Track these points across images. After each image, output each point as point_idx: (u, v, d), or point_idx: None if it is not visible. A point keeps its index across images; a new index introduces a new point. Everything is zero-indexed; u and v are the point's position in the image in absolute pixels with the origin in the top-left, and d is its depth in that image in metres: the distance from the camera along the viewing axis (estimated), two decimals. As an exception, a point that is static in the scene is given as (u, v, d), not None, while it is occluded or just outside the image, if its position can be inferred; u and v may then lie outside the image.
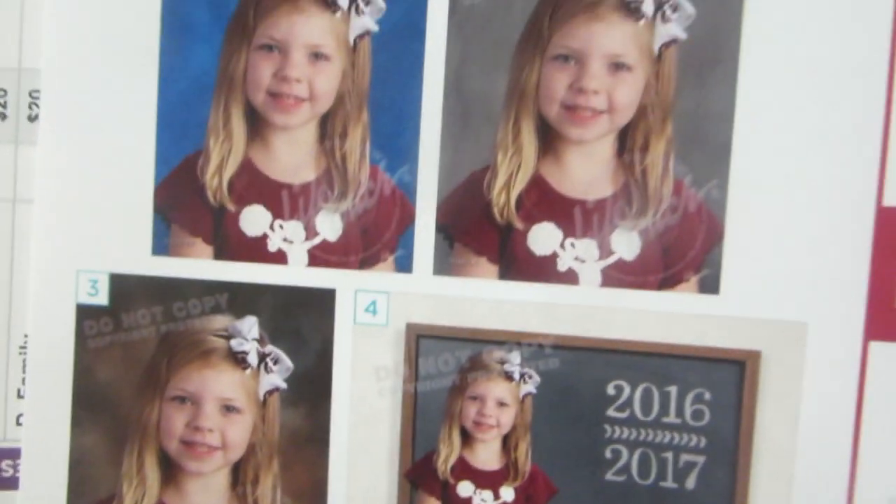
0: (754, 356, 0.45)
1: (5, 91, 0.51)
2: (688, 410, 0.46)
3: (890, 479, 0.44)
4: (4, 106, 0.51)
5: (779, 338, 0.45)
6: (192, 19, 0.50)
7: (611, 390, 0.47)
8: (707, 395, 0.46)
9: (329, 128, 0.49)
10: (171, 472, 0.52)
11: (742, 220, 0.45)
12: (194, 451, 0.51)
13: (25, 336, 0.52)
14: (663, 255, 0.46)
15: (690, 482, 0.46)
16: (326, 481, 0.50)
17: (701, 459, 0.46)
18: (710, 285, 0.46)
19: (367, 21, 0.48)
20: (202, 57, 0.50)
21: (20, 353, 0.52)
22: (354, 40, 0.48)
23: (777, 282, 0.45)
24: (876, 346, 0.44)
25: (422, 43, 0.48)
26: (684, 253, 0.46)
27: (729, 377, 0.45)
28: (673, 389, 0.46)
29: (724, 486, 0.46)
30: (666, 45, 0.46)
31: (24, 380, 0.52)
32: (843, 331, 0.44)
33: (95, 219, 0.51)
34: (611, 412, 0.47)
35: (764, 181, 0.45)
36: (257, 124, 0.50)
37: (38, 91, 0.51)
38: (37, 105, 0.51)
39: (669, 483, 0.46)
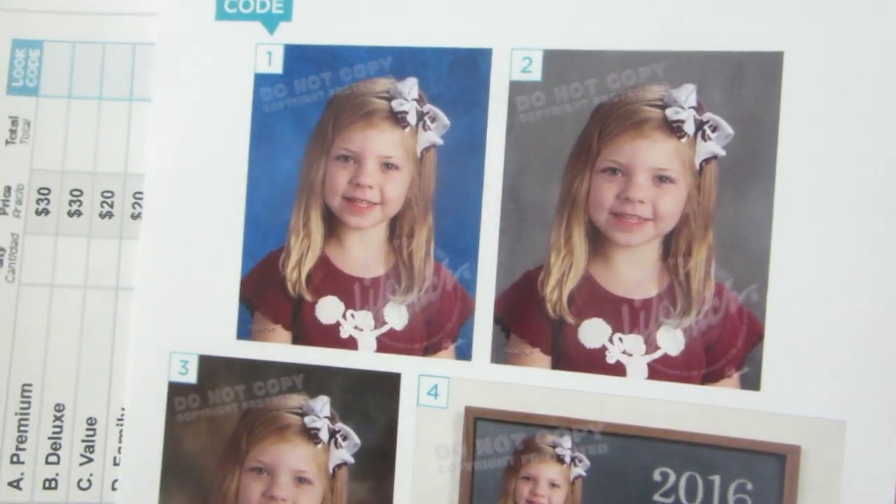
0: (795, 450, 0.37)
1: (112, 192, 0.45)
2: (731, 499, 0.38)
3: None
4: (112, 206, 0.45)
5: (818, 434, 0.37)
6: (277, 133, 0.44)
7: (657, 476, 0.39)
8: (749, 486, 0.38)
9: (398, 229, 0.43)
10: (247, 536, 0.44)
11: (781, 321, 0.38)
12: (269, 518, 0.43)
13: (122, 410, 0.45)
14: (706, 351, 0.39)
15: (734, 568, 0.38)
16: (389, 551, 0.42)
17: (744, 546, 0.38)
18: (751, 382, 0.38)
19: (433, 136, 0.42)
20: (286, 166, 0.44)
21: (117, 425, 0.45)
22: (421, 152, 0.42)
23: (816, 381, 0.37)
24: (914, 445, 0.36)
25: (482, 155, 0.41)
26: (726, 351, 0.38)
27: (771, 469, 0.37)
28: (716, 479, 0.38)
29: (764, 570, 0.37)
30: (706, 161, 0.39)
31: (119, 449, 0.45)
32: (881, 430, 0.37)
33: (187, 306, 0.45)
34: (657, 497, 0.39)
35: (801, 285, 0.38)
36: (333, 225, 0.43)
37: (141, 193, 0.45)
38: (140, 205, 0.45)
39: (714, 568, 0.38)
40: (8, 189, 0.45)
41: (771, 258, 0.38)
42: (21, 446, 0.45)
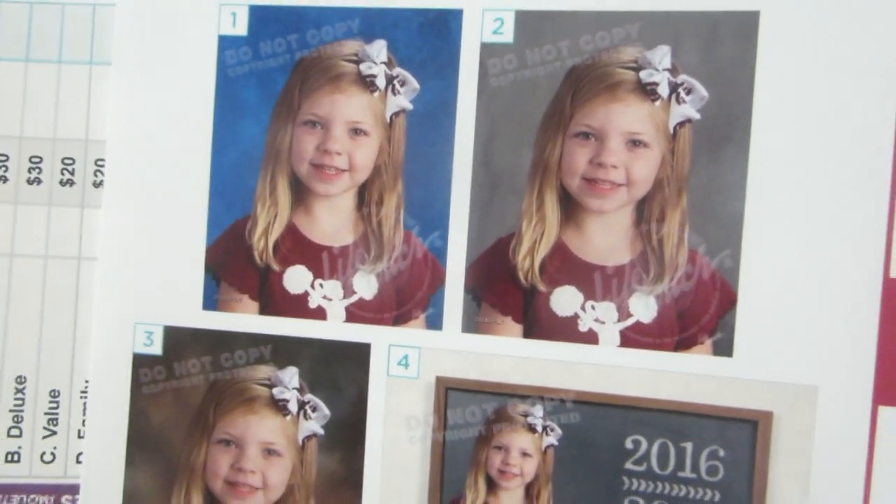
0: (767, 416, 0.36)
1: (73, 160, 0.43)
2: (703, 466, 0.37)
3: (896, 535, 0.35)
4: (72, 173, 0.43)
5: (790, 400, 0.36)
6: (242, 98, 0.42)
7: (629, 444, 0.38)
8: (721, 452, 0.37)
9: (367, 196, 0.41)
10: (216, 509, 0.43)
11: (754, 287, 0.37)
12: (237, 491, 0.42)
13: (86, 382, 0.44)
14: (679, 318, 0.38)
15: (705, 535, 0.37)
16: (360, 522, 0.41)
17: (715, 513, 0.37)
18: (723, 348, 0.37)
19: (402, 100, 0.40)
20: (251, 131, 0.42)
21: (81, 398, 0.44)
22: (391, 117, 0.41)
23: (788, 347, 0.37)
24: (885, 411, 0.35)
25: (452, 120, 0.40)
26: (699, 317, 0.37)
27: (743, 436, 0.37)
28: (689, 445, 0.37)
29: (735, 537, 0.37)
30: (681, 124, 0.38)
31: (84, 422, 0.44)
32: (853, 395, 0.36)
33: (152, 276, 0.43)
34: (629, 465, 0.38)
35: (775, 251, 0.37)
36: (301, 192, 0.42)
37: (102, 160, 0.44)
38: (101, 172, 0.43)
39: (685, 535, 0.37)
40: (-36, 156, 0.43)
41: (745, 223, 0.37)
42: (-18, 420, 0.43)
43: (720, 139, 0.37)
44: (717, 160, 0.37)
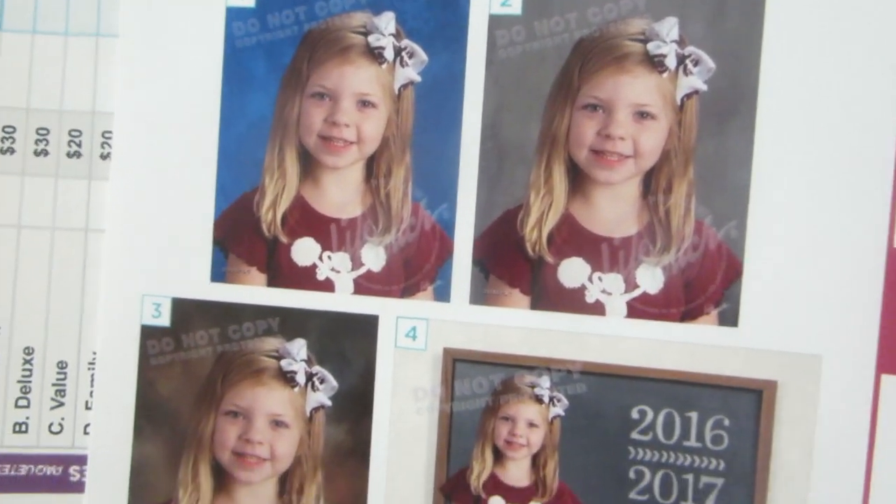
0: (771, 385, 0.37)
1: (80, 131, 0.43)
2: (708, 435, 0.37)
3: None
4: (80, 145, 0.43)
5: (794, 369, 0.36)
6: (250, 70, 0.42)
7: (635, 414, 0.38)
8: (726, 422, 0.37)
9: (375, 168, 0.41)
10: (223, 480, 0.43)
11: (759, 258, 0.37)
12: (245, 462, 0.42)
13: (94, 353, 0.44)
14: (685, 289, 0.38)
15: (710, 503, 0.37)
16: (366, 493, 0.42)
17: (720, 482, 0.37)
18: (729, 318, 0.37)
19: (410, 72, 0.40)
20: (259, 103, 0.42)
21: (89, 369, 0.44)
22: (399, 89, 0.41)
23: (793, 316, 0.37)
24: (888, 379, 0.35)
25: (461, 92, 0.40)
26: (705, 288, 0.38)
27: (747, 405, 0.37)
28: (694, 415, 0.38)
29: (738, 505, 0.37)
30: (688, 96, 0.38)
31: (91, 393, 0.44)
32: (856, 364, 0.36)
33: (160, 248, 0.43)
34: (635, 435, 0.38)
35: (780, 222, 0.37)
36: (309, 164, 0.42)
37: (110, 132, 0.43)
38: (109, 144, 0.43)
39: (690, 503, 0.37)
40: (-30, 128, 0.43)
41: (751, 194, 0.37)
42: (-10, 392, 0.43)
43: (727, 111, 0.37)
44: (723, 131, 0.38)
